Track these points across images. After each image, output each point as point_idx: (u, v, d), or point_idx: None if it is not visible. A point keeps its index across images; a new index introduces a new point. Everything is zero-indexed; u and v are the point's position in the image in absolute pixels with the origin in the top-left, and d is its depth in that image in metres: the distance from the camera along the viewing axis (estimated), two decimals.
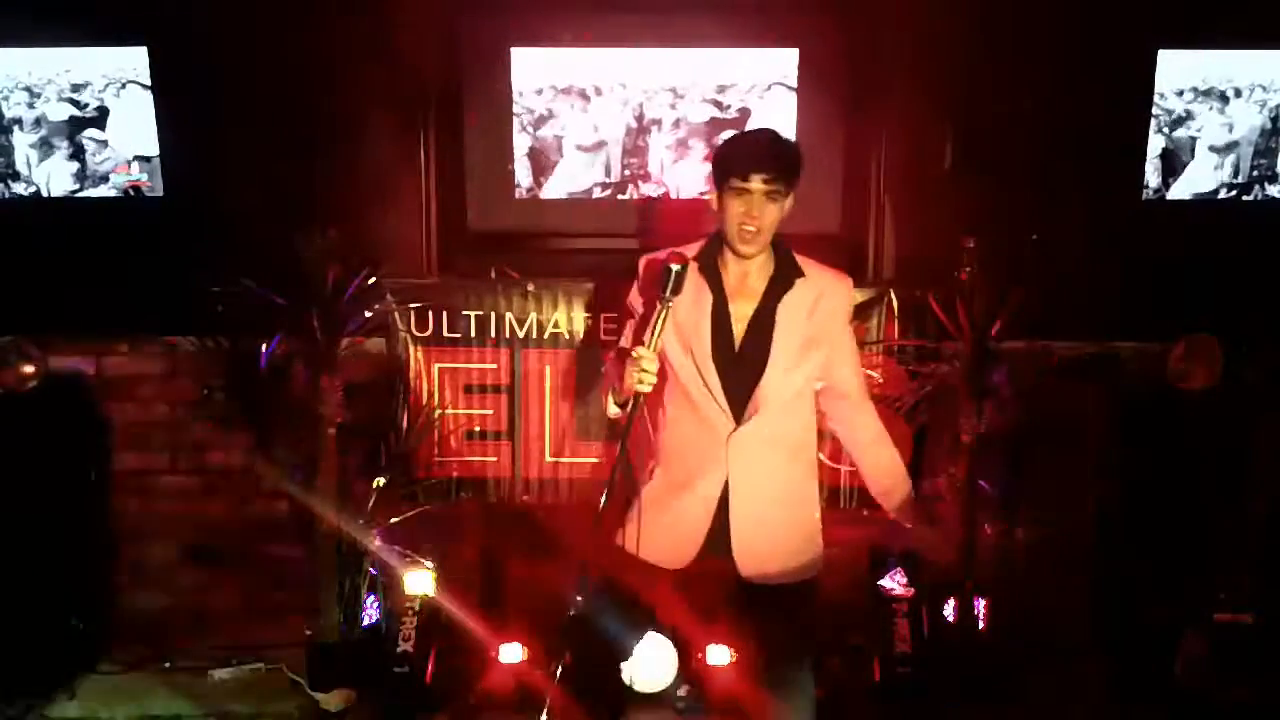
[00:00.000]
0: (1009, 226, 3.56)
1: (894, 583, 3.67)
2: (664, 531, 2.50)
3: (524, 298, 3.75)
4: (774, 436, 2.46)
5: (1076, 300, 3.65)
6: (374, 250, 3.68)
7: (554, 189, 4.15)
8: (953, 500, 3.58)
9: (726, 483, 2.45)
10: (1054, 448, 3.86)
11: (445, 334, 3.77)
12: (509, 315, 3.76)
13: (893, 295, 3.72)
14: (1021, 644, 3.65)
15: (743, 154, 2.39)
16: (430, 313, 3.76)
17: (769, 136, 2.42)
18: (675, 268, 2.31)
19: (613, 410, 2.49)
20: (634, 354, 2.31)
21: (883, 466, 2.65)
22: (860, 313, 3.66)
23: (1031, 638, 3.72)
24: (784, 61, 4.01)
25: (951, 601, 3.66)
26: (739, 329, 2.45)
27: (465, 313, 3.76)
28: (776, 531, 2.50)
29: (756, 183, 2.34)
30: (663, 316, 2.33)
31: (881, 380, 3.66)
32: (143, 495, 4.03)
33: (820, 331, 2.46)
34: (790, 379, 2.44)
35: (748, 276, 2.47)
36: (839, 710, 3.41)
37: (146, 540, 4.03)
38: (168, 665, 3.78)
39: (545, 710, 2.30)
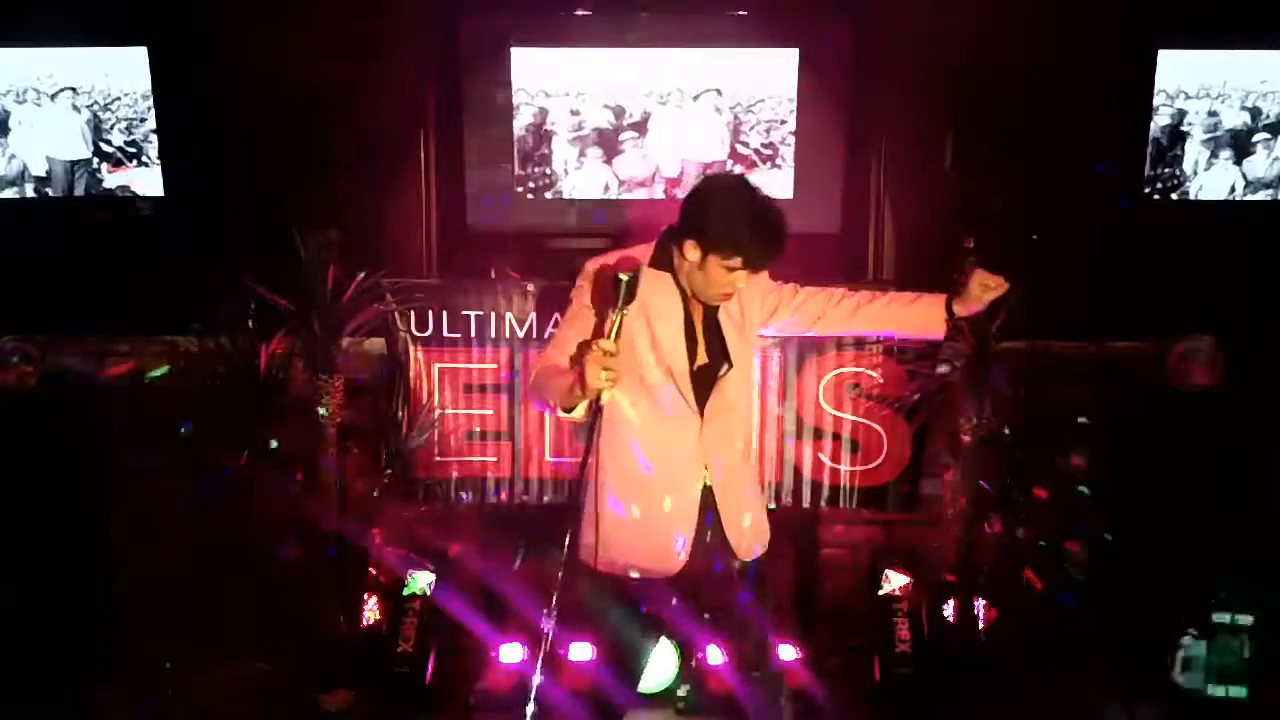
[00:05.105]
0: (1009, 226, 3.56)
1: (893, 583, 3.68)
2: (646, 541, 2.46)
3: (524, 298, 3.75)
4: (732, 427, 2.55)
5: (1076, 300, 3.65)
6: (374, 250, 3.68)
7: (554, 189, 4.15)
8: (952, 499, 3.58)
9: (705, 478, 2.47)
10: (1054, 448, 3.86)
11: (445, 334, 3.76)
12: (509, 315, 3.75)
13: None
14: (1021, 644, 3.65)
15: (762, 247, 2.28)
16: (430, 313, 3.75)
17: (782, 227, 2.30)
18: (624, 277, 2.20)
19: (564, 414, 2.33)
20: (595, 346, 2.18)
21: (884, 303, 2.56)
22: None
23: (1031, 638, 3.72)
24: (784, 64, 4.02)
25: (951, 601, 3.66)
26: (700, 339, 2.48)
27: (465, 313, 3.75)
28: (748, 513, 2.56)
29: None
30: (616, 324, 2.21)
31: (881, 380, 3.66)
32: (142, 495, 4.02)
33: (751, 314, 2.52)
34: (744, 369, 2.55)
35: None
36: (839, 710, 3.41)
37: (146, 540, 4.02)
38: (168, 665, 3.78)
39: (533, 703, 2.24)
